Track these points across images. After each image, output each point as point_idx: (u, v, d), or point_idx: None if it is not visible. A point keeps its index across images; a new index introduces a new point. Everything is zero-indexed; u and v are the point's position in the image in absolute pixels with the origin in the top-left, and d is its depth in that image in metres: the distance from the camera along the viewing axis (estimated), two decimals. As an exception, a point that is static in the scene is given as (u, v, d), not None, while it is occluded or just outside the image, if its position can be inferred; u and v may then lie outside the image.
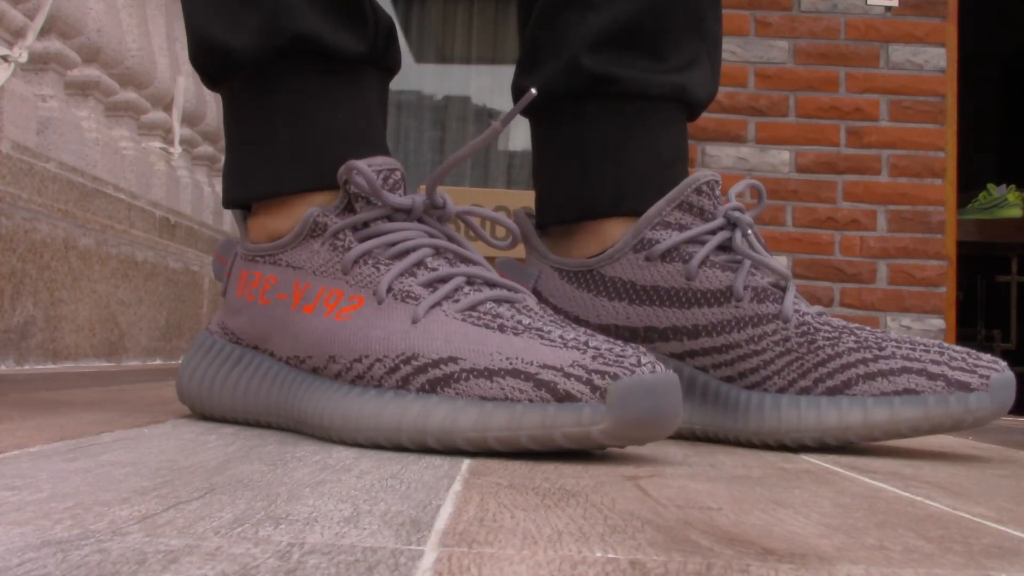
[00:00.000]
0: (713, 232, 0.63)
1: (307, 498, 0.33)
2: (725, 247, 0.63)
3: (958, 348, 0.59)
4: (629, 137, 0.67)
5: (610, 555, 0.26)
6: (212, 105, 2.25)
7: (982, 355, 0.58)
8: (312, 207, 0.57)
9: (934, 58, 2.36)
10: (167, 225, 1.75)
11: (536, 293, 0.67)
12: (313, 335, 0.55)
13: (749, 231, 0.63)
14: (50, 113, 1.48)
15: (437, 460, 0.45)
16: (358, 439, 0.50)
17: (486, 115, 3.95)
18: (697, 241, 0.63)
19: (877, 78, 2.36)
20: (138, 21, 1.80)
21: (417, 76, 4.94)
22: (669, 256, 0.62)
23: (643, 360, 0.47)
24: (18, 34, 1.37)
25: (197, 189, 2.14)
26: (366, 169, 0.55)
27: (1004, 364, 0.58)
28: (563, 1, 0.67)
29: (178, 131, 2.03)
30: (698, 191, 0.63)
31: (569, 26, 0.67)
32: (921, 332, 2.31)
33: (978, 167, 3.57)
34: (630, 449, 0.55)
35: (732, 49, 2.35)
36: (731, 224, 0.63)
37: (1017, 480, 0.49)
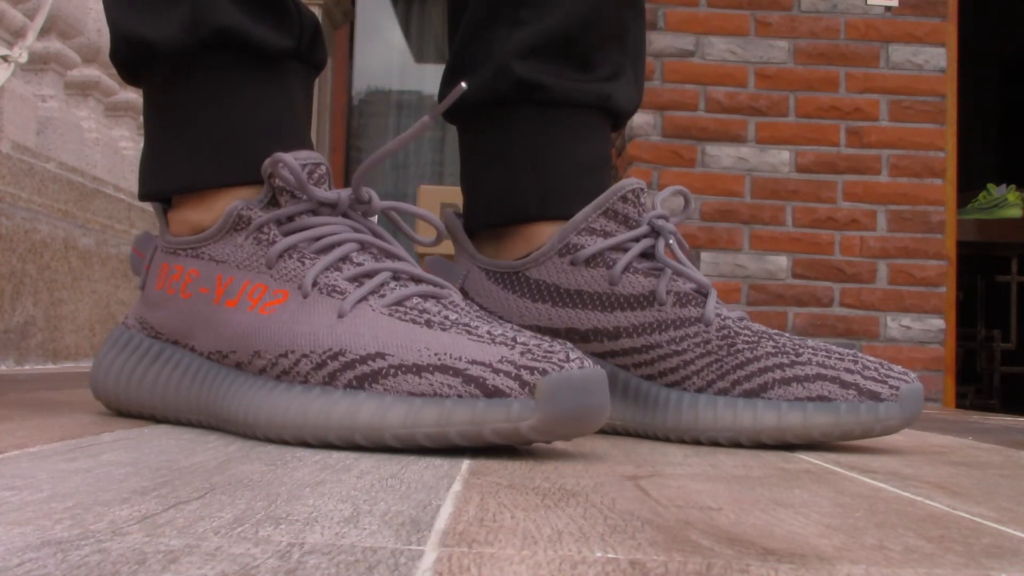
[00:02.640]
0: (637, 240, 0.64)
1: (307, 498, 0.33)
2: (648, 254, 0.64)
3: (872, 359, 0.61)
4: (553, 143, 0.68)
5: (610, 555, 0.26)
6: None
7: (894, 366, 0.60)
8: (236, 200, 0.56)
9: (934, 58, 2.36)
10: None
11: (463, 292, 0.68)
12: (236, 329, 0.54)
13: (672, 239, 0.65)
14: (50, 113, 1.48)
15: (437, 460, 0.45)
16: (284, 436, 0.49)
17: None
18: (621, 248, 0.64)
19: (877, 78, 2.36)
20: (138, 21, 1.80)
21: (417, 76, 4.94)
22: (593, 261, 0.64)
23: (571, 356, 0.47)
24: (18, 34, 1.37)
25: (197, 189, 2.14)
26: (292, 162, 0.54)
27: (914, 376, 0.60)
28: (491, 17, 0.69)
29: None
30: (623, 199, 0.65)
31: (496, 39, 0.68)
32: (921, 332, 2.31)
33: (978, 167, 3.57)
34: (631, 449, 0.55)
35: (732, 49, 2.35)
36: (655, 232, 0.64)
37: (1017, 480, 0.49)
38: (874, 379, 0.59)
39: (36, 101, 1.44)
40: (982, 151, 4.08)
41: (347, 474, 0.39)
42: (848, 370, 0.59)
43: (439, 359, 0.47)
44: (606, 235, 0.64)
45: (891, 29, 2.37)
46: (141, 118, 1.88)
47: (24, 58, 1.35)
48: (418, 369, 0.47)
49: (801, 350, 0.61)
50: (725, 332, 0.62)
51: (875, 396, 0.58)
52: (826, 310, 2.32)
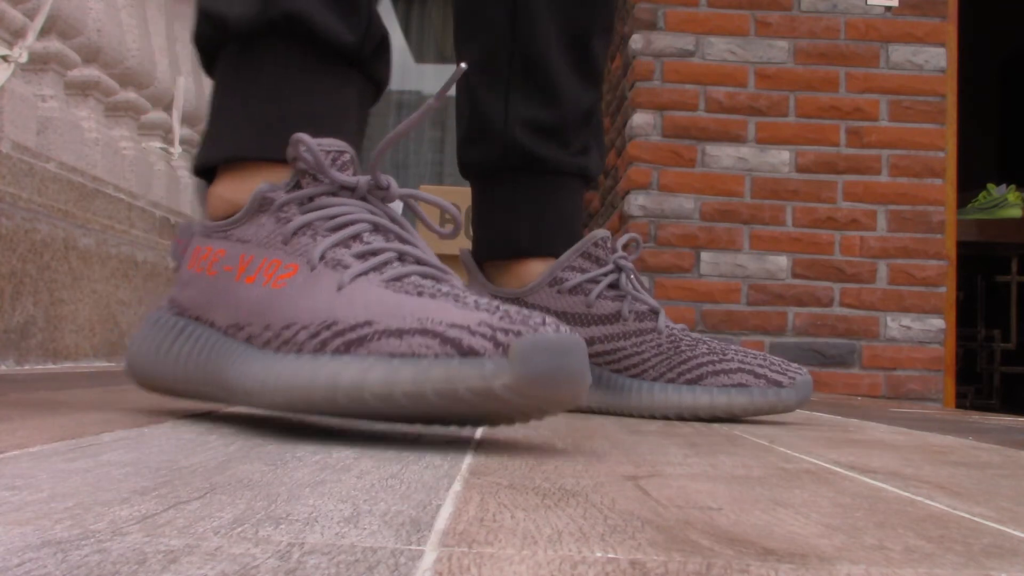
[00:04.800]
0: (606, 275, 0.87)
1: (307, 498, 0.33)
2: (613, 285, 0.87)
3: (775, 358, 0.83)
4: (546, 200, 0.92)
5: (610, 555, 0.26)
6: (212, 105, 2.25)
7: (791, 364, 0.83)
8: (263, 183, 0.59)
9: (934, 58, 2.36)
10: (167, 225, 1.75)
11: None
12: (249, 303, 0.56)
13: (632, 275, 0.88)
14: (50, 113, 1.48)
15: (437, 460, 0.45)
16: (277, 401, 0.51)
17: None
18: (594, 280, 0.87)
19: (877, 78, 2.36)
20: (138, 21, 1.80)
21: (417, 76, 4.94)
22: (575, 291, 0.87)
23: (548, 321, 0.47)
24: (18, 34, 1.37)
25: (197, 189, 2.14)
26: (312, 143, 0.56)
27: (805, 370, 0.83)
28: (490, 93, 0.91)
29: (178, 131, 2.03)
30: (596, 244, 0.88)
31: (495, 112, 0.91)
32: (921, 332, 2.31)
33: (978, 167, 3.57)
34: (630, 449, 0.55)
35: (732, 49, 2.35)
36: (618, 269, 0.87)
37: (1017, 480, 0.49)
38: (778, 372, 0.82)
39: (36, 101, 1.44)
40: (982, 151, 4.08)
41: (347, 474, 0.39)
42: (760, 366, 0.82)
43: (421, 323, 0.48)
44: (583, 271, 0.88)
45: (891, 29, 2.37)
46: (141, 118, 1.88)
47: (24, 58, 1.35)
48: (400, 333, 0.48)
49: (727, 352, 0.83)
50: (672, 339, 0.85)
51: (778, 384, 0.81)
52: (826, 310, 2.32)
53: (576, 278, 0.87)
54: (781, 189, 2.34)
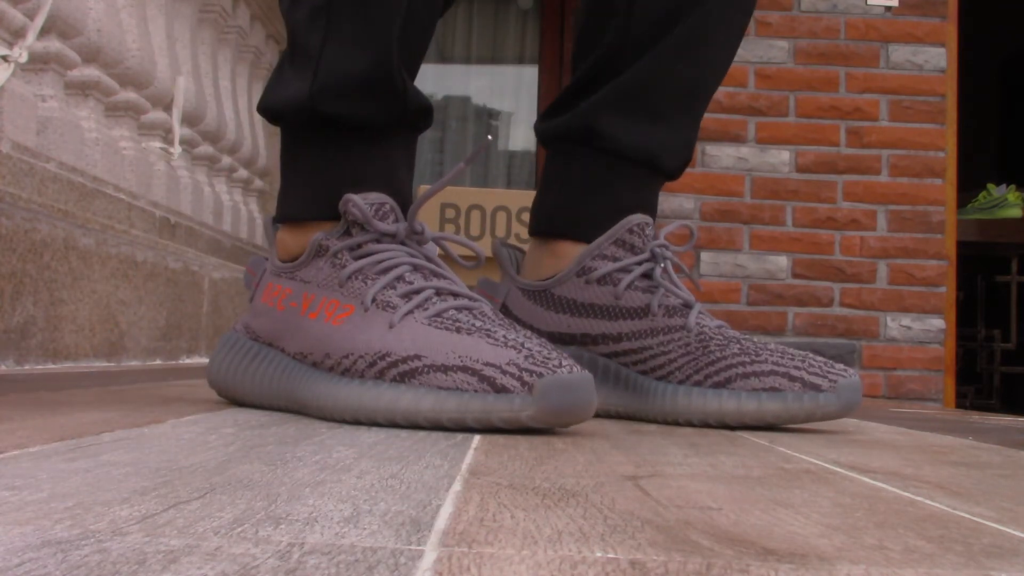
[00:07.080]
0: (639, 263, 0.79)
1: (307, 498, 0.33)
2: (648, 275, 0.79)
3: (819, 359, 0.73)
4: (598, 182, 0.83)
5: (610, 555, 0.26)
6: (212, 105, 2.25)
7: (837, 365, 0.73)
8: (319, 232, 0.69)
9: (934, 58, 2.36)
10: (167, 225, 1.75)
11: (504, 306, 0.84)
12: (313, 336, 0.67)
13: (666, 264, 0.79)
14: (50, 113, 1.48)
15: (437, 460, 0.45)
16: (346, 417, 0.62)
17: (486, 115, 3.94)
18: (625, 270, 0.79)
19: (877, 78, 2.36)
20: (138, 21, 1.80)
21: (417, 76, 4.94)
22: (603, 280, 0.79)
23: (564, 363, 0.58)
24: (18, 34, 1.37)
25: (197, 189, 2.14)
26: (359, 201, 0.67)
27: (853, 371, 0.73)
28: (595, 74, 0.83)
29: (178, 131, 2.03)
30: (630, 231, 0.80)
31: (588, 93, 0.83)
32: (921, 332, 2.31)
33: (978, 167, 3.57)
34: (630, 449, 0.55)
35: (732, 49, 2.35)
36: (654, 257, 0.79)
37: (1017, 480, 0.49)
38: (817, 374, 0.72)
39: (36, 101, 1.44)
40: (982, 151, 4.08)
41: (347, 474, 0.39)
42: (796, 367, 0.72)
43: (461, 361, 0.59)
44: (615, 260, 0.79)
45: (891, 29, 2.37)
46: (141, 118, 1.88)
47: (24, 58, 1.35)
48: (445, 368, 0.59)
49: (761, 352, 0.74)
50: (702, 337, 0.76)
51: (816, 388, 0.71)
52: (826, 310, 2.32)
53: (605, 267, 0.79)
54: (781, 189, 2.34)
